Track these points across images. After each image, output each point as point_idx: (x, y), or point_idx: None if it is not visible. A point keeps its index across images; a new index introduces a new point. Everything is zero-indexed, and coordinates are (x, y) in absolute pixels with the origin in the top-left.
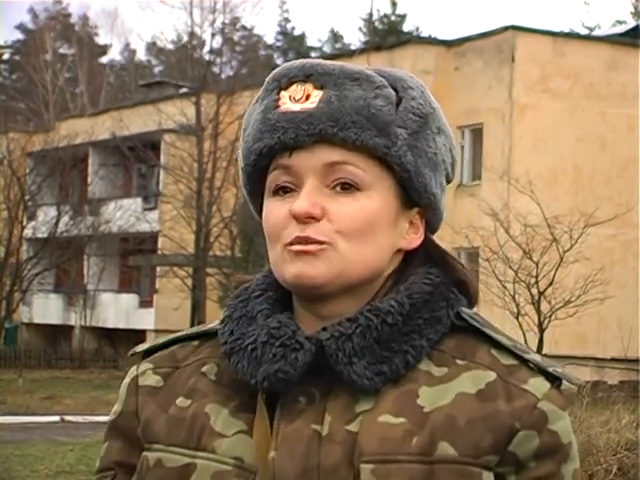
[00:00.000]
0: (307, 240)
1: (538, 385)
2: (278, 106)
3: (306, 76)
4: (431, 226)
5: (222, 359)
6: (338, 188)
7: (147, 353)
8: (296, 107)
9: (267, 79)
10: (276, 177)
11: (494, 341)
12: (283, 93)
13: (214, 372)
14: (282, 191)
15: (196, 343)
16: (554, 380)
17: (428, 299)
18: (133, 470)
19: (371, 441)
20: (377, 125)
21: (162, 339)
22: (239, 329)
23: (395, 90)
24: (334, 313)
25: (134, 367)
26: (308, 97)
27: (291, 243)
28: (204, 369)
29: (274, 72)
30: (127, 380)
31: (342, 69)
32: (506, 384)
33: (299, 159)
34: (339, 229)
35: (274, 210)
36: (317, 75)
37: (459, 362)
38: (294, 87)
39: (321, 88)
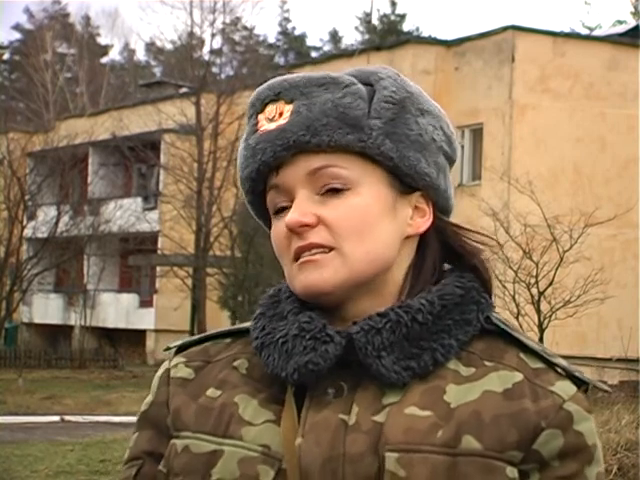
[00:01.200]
0: (311, 247)
1: (565, 387)
2: (257, 129)
3: (276, 94)
4: (440, 207)
5: (253, 355)
6: (327, 193)
7: (180, 349)
8: (272, 126)
9: (247, 108)
10: (272, 198)
11: (523, 345)
12: (260, 116)
13: (245, 367)
14: (278, 212)
15: (228, 340)
16: (581, 384)
17: (459, 302)
18: (161, 459)
19: (396, 431)
20: (347, 122)
21: (196, 336)
22: (270, 325)
23: (370, 85)
24: (356, 314)
25: (167, 361)
26: (281, 114)
27: (296, 257)
28: (235, 364)
29: (250, 99)
30: (159, 372)
31: (308, 78)
32: (533, 385)
33: (285, 175)
34: (336, 232)
35: (275, 230)
36: (285, 91)
37: (487, 363)
38: (269, 108)
39: (291, 102)
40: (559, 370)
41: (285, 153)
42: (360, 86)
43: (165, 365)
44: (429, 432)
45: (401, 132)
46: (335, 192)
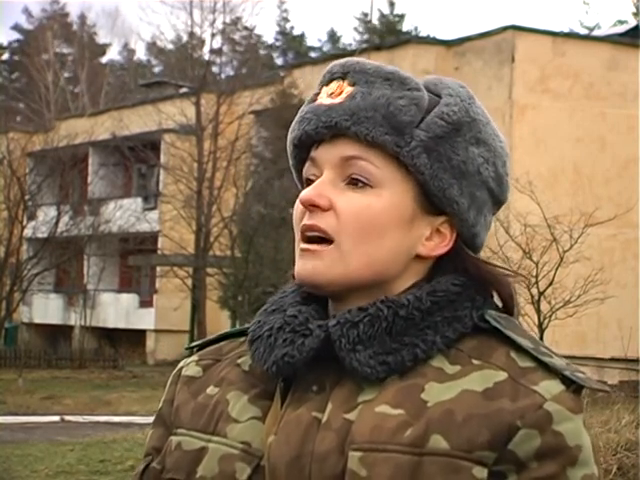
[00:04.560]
0: (313, 228)
1: (549, 387)
2: (315, 100)
3: (344, 73)
4: (465, 240)
5: None
6: (351, 183)
7: (201, 348)
8: (326, 101)
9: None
10: (307, 168)
11: (515, 343)
12: (324, 89)
13: (248, 364)
14: (308, 183)
15: (242, 339)
16: (571, 384)
17: (454, 299)
18: None
19: (364, 430)
20: (392, 123)
21: (215, 335)
22: (265, 318)
23: (439, 97)
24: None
25: (184, 359)
26: (340, 93)
27: (302, 236)
28: (239, 361)
29: (326, 68)
30: (174, 371)
31: (377, 68)
32: (516, 384)
33: (322, 151)
34: (343, 225)
35: (298, 200)
36: (353, 73)
37: (475, 362)
38: (333, 84)
39: (353, 85)
40: (551, 369)
41: (325, 131)
42: (424, 94)
43: (181, 363)
44: (397, 431)
45: (443, 152)
46: (358, 185)
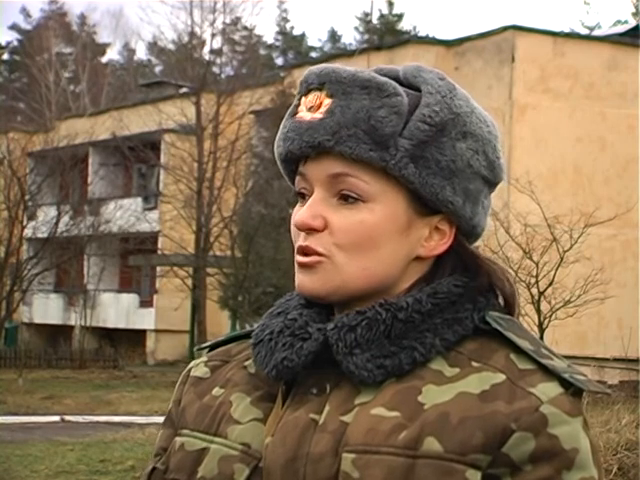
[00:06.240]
0: (306, 250)
1: (546, 389)
2: (297, 113)
3: (320, 83)
4: (465, 232)
5: None
6: (342, 199)
7: (211, 349)
8: (307, 116)
9: (298, 83)
10: (297, 181)
11: (516, 345)
12: (303, 100)
13: (255, 366)
14: (300, 197)
15: (251, 340)
16: (570, 387)
17: (455, 300)
18: None
19: (358, 432)
20: (374, 138)
21: (225, 336)
22: (268, 321)
23: (419, 91)
24: None
25: (194, 360)
26: (320, 106)
27: (297, 252)
28: (247, 363)
29: (302, 76)
30: (184, 372)
31: (353, 77)
32: (513, 387)
33: (310, 168)
34: (337, 242)
35: (294, 214)
36: (329, 83)
37: (474, 364)
38: (311, 95)
39: (331, 97)
40: (550, 371)
41: (310, 150)
42: (402, 98)
43: (190, 364)
44: (391, 433)
45: (430, 157)
46: (349, 201)
